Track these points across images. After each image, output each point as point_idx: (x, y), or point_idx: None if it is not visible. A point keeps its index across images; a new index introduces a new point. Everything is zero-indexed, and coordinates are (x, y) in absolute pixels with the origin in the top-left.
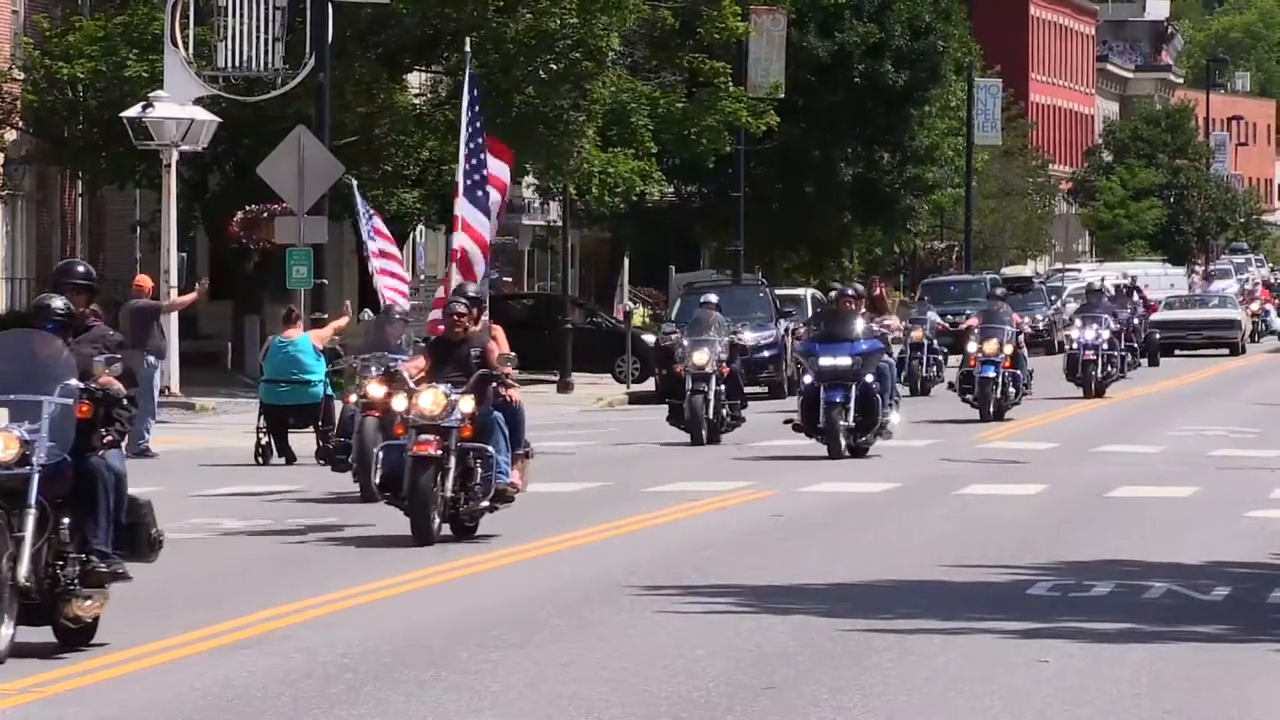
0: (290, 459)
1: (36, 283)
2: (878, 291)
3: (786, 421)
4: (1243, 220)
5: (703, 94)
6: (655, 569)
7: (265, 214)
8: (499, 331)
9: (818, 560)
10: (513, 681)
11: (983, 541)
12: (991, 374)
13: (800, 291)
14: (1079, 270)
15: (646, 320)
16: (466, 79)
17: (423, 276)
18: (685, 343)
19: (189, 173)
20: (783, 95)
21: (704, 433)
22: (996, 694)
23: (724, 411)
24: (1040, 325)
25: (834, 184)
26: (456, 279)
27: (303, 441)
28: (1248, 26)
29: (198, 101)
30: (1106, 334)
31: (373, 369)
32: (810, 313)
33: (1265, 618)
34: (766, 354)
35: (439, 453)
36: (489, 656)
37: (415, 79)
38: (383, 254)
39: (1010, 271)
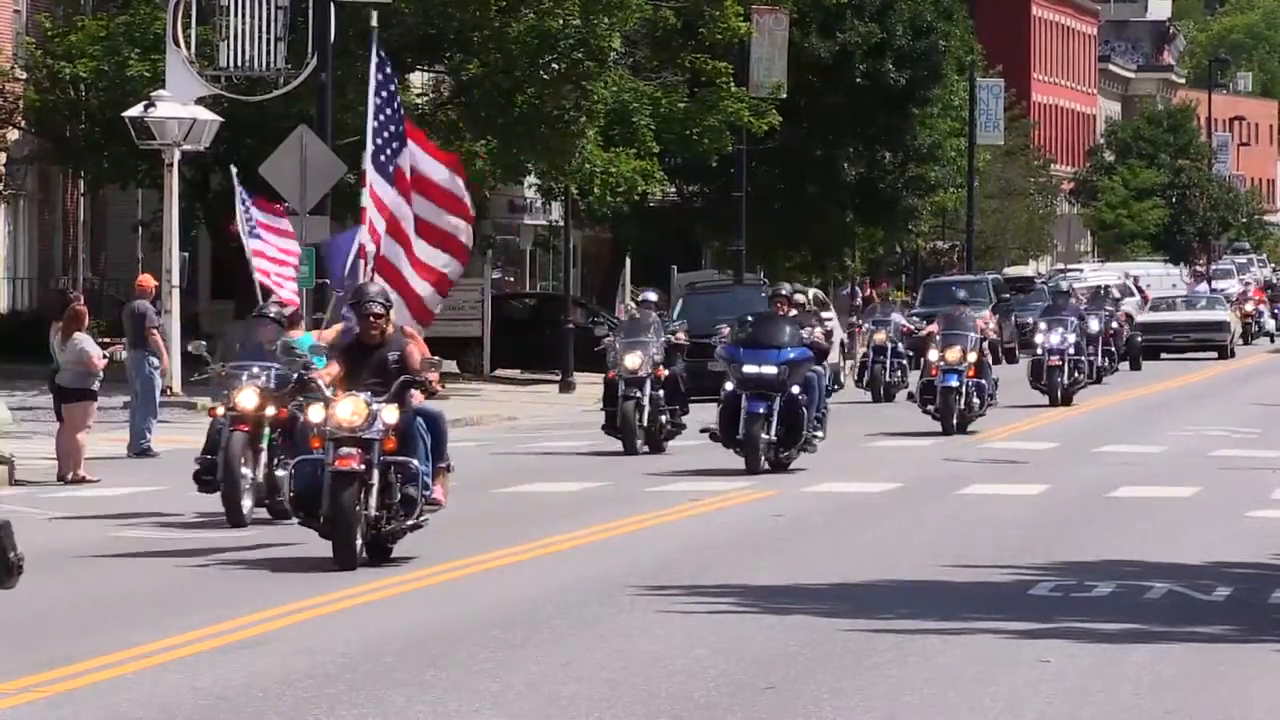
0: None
1: (39, 282)
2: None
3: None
4: (1244, 220)
5: (705, 94)
6: (655, 569)
7: None
8: (415, 334)
9: (818, 560)
10: (513, 681)
11: (983, 541)
12: (954, 383)
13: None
14: (1081, 270)
15: None
16: (373, 61)
17: None
18: (618, 345)
19: (191, 172)
20: (784, 95)
21: (638, 442)
22: (996, 694)
23: (663, 418)
24: None
25: (836, 184)
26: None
27: None
28: (1250, 27)
29: (200, 101)
30: (1073, 338)
31: (242, 377)
32: None
33: (1266, 618)
34: None
35: (361, 467)
36: (489, 656)
37: (417, 78)
38: (261, 254)
39: (1012, 272)
